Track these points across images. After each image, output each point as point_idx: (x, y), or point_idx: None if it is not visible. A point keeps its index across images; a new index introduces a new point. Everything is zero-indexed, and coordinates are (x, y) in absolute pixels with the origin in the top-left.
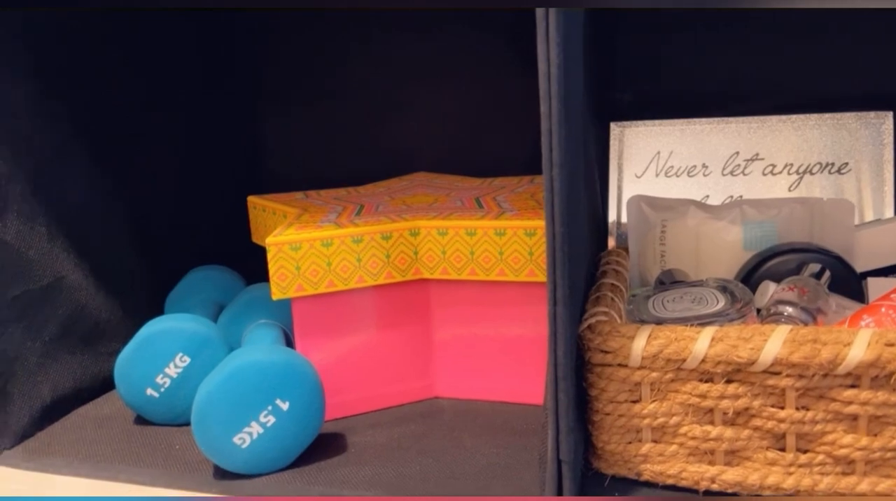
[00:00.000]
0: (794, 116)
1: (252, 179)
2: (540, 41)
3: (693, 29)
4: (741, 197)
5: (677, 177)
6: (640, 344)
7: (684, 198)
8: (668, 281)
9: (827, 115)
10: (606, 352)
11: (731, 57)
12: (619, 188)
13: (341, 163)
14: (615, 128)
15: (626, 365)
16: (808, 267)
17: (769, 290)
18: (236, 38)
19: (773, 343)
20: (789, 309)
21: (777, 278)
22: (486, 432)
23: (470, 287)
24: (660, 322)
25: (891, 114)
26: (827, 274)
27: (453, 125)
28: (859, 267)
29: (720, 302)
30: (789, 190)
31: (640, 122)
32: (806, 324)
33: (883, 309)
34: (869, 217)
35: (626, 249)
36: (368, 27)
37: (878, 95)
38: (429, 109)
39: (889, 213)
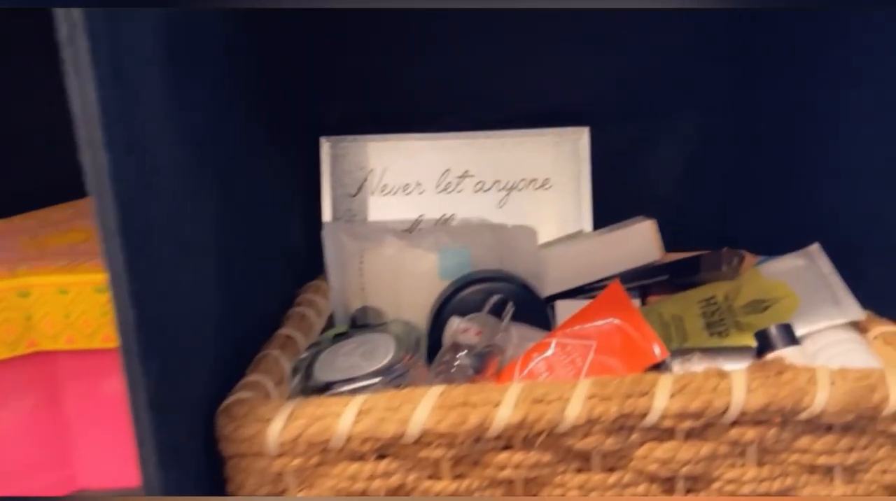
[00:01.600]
0: (499, 132)
1: None
2: (66, 54)
3: (401, 42)
4: (454, 216)
5: (393, 195)
6: (277, 427)
7: (382, 225)
8: (361, 321)
9: (531, 131)
10: (240, 441)
11: (438, 71)
12: (334, 209)
13: None
14: (325, 144)
15: (263, 454)
16: (490, 300)
17: (453, 324)
18: None
19: (421, 411)
20: (460, 358)
21: (465, 310)
22: None
23: (106, 355)
24: (321, 388)
25: (587, 129)
26: (510, 305)
27: None
28: (549, 290)
29: (389, 355)
30: (499, 206)
31: (351, 137)
32: (478, 372)
33: (553, 345)
34: (570, 230)
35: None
36: None
37: (575, 111)
38: None
39: (588, 226)
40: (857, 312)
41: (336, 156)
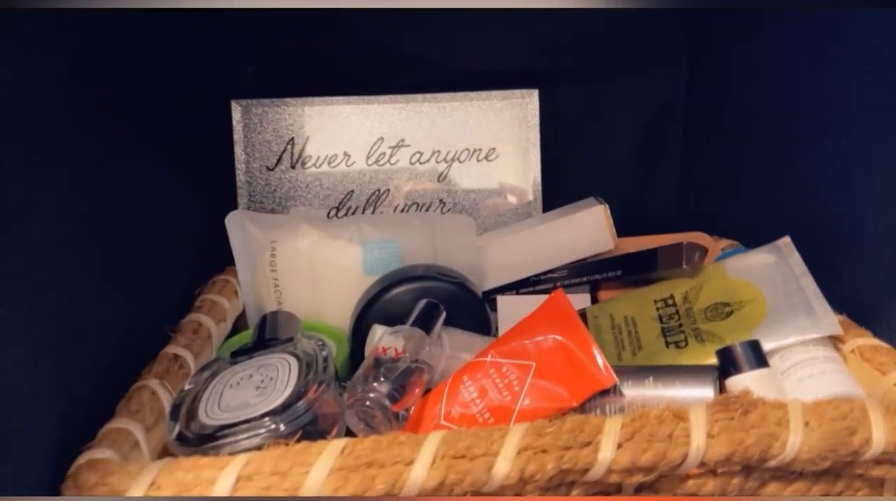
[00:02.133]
0: (438, 95)
1: None
2: None
3: None
4: (388, 191)
5: (317, 168)
6: (138, 493)
7: (295, 213)
8: (270, 331)
9: (473, 94)
10: None
11: (368, 27)
12: (249, 185)
13: None
14: (236, 108)
15: None
16: (419, 305)
17: (377, 334)
18: None
19: (316, 476)
20: (376, 390)
21: (392, 314)
22: None
23: None
24: (204, 436)
25: (536, 92)
26: (441, 311)
27: None
28: (490, 283)
29: (288, 388)
30: (439, 180)
31: (267, 101)
32: (400, 396)
33: (489, 367)
34: (517, 207)
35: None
36: None
37: (524, 72)
38: None
39: (537, 203)
40: (832, 326)
41: (250, 122)
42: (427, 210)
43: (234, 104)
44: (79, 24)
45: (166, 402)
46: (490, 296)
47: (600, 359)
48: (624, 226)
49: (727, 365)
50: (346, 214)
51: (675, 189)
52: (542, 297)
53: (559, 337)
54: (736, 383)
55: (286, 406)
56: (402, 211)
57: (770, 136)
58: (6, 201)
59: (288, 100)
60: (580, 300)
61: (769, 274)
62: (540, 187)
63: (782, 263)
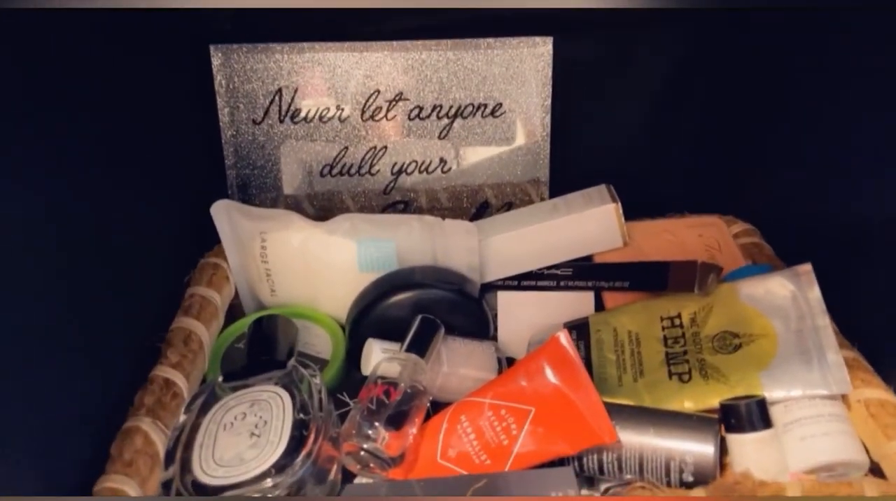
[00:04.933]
0: (441, 42)
1: None
2: None
3: None
4: (385, 149)
5: (307, 122)
6: None
7: (284, 210)
8: (263, 347)
9: (479, 41)
10: None
11: None
12: (236, 140)
13: None
14: (216, 54)
15: None
16: (414, 323)
17: (372, 354)
18: None
19: None
20: (366, 451)
21: (387, 326)
22: None
23: None
24: (200, 491)
25: (551, 40)
26: (438, 329)
27: None
28: (491, 275)
29: (283, 433)
30: (440, 137)
31: (249, 45)
32: (396, 429)
33: (488, 408)
34: (521, 174)
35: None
36: None
37: (538, 16)
38: None
39: (544, 172)
40: (843, 384)
41: (232, 70)
42: (427, 170)
43: (213, 49)
44: None
45: (160, 445)
46: (491, 288)
47: (602, 415)
48: (634, 203)
49: (730, 420)
50: (339, 173)
51: (693, 160)
52: (544, 294)
53: (560, 386)
54: (737, 442)
55: (282, 466)
56: (400, 170)
57: (797, 117)
58: None
59: (273, 45)
60: (584, 302)
61: (784, 306)
62: (548, 149)
63: (800, 296)
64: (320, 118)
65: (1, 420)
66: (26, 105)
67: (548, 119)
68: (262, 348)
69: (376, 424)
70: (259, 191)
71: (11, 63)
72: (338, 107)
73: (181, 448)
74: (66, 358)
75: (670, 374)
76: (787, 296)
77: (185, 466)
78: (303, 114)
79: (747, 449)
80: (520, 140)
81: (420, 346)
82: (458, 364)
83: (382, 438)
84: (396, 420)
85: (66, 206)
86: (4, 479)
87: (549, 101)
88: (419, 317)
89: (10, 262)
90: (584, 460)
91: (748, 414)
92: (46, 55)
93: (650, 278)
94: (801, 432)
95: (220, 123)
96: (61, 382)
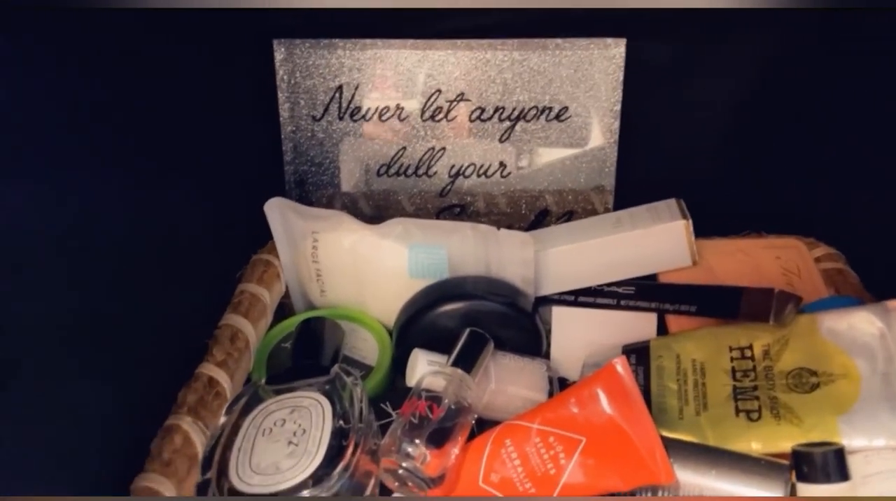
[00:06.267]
0: (507, 42)
1: None
2: None
3: None
4: (443, 150)
5: (367, 121)
6: None
7: (336, 211)
8: (309, 350)
9: (546, 42)
10: None
11: None
12: (295, 136)
13: None
14: (279, 48)
15: None
16: (462, 336)
17: (418, 366)
18: None
19: None
20: (404, 469)
21: (434, 336)
22: None
23: None
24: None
25: (623, 41)
26: (487, 344)
27: None
28: (547, 289)
29: (322, 443)
30: (500, 140)
31: (312, 41)
32: (437, 447)
33: (535, 434)
34: (584, 182)
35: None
36: None
37: (609, 17)
38: None
39: (609, 180)
40: None
41: (294, 66)
42: (486, 173)
43: (276, 44)
44: None
45: (199, 446)
46: (546, 302)
47: (659, 452)
48: (706, 218)
49: (803, 468)
50: (396, 173)
51: (772, 175)
52: (602, 313)
53: (615, 416)
54: (810, 493)
55: (319, 478)
56: (458, 172)
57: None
58: None
59: (336, 41)
60: (646, 324)
61: (871, 345)
62: (615, 156)
63: (889, 335)
64: (380, 116)
65: (47, 413)
66: (90, 99)
67: (616, 125)
68: (309, 350)
69: (417, 441)
70: (316, 187)
71: (79, 62)
72: (398, 106)
73: (220, 449)
74: (113, 352)
75: (737, 411)
76: (875, 334)
77: (223, 469)
78: (362, 112)
79: None
80: (585, 146)
81: (467, 361)
82: (506, 381)
83: (423, 457)
84: (438, 438)
85: (123, 197)
86: (41, 474)
87: (618, 106)
88: (468, 330)
89: (62, 255)
90: (636, 496)
91: (824, 464)
92: (110, 53)
93: (721, 304)
94: (883, 487)
95: (280, 118)
96: (109, 375)
